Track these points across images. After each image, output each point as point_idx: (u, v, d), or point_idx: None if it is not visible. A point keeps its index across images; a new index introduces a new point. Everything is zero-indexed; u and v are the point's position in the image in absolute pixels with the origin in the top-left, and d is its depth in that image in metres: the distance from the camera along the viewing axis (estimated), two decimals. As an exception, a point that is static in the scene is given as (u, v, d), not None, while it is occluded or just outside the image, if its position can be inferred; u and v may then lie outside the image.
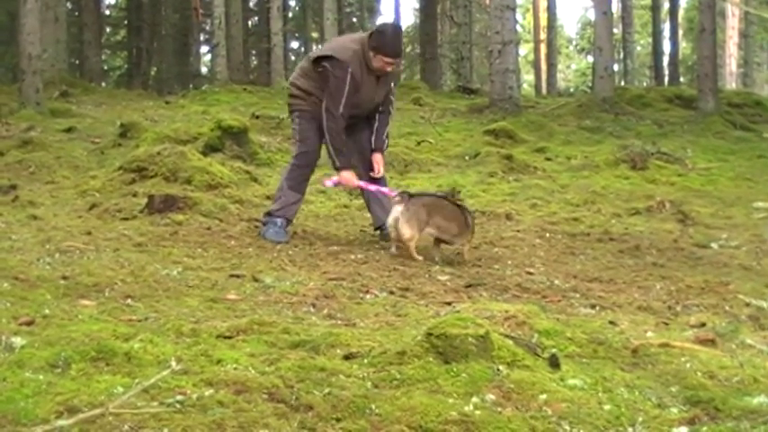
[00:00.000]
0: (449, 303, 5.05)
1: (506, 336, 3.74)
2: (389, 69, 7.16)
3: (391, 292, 5.35)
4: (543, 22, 40.29)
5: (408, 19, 50.52)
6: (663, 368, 3.69)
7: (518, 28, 29.74)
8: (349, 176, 7.15)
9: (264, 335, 3.93)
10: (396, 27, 7.26)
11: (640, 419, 3.07)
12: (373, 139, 7.36)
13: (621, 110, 18.08)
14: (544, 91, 34.90)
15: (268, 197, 8.51)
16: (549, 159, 13.12)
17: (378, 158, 7.37)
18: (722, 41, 41.58)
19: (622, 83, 31.86)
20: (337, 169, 7.17)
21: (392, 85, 7.53)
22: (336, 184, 7.34)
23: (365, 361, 3.58)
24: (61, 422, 2.69)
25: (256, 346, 3.77)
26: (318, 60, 7.17)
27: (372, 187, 7.31)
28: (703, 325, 4.59)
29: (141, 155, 9.22)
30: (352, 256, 6.54)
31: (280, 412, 2.95)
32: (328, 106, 6.97)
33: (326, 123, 6.99)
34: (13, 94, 16.93)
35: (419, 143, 13.98)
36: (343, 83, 6.94)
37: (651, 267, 6.59)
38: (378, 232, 7.43)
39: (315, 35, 33.73)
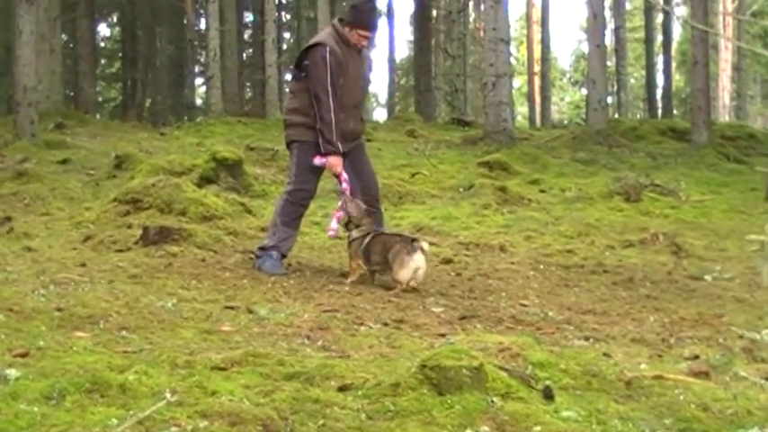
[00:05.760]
0: (443, 335, 5.05)
1: (500, 367, 3.75)
2: (364, 44, 7.12)
3: (385, 324, 5.35)
4: (537, 54, 40.48)
5: (403, 51, 50.59)
6: (657, 400, 3.69)
7: (512, 60, 29.89)
8: (337, 161, 6.99)
9: (259, 366, 3.93)
10: (370, 1, 7.24)
11: (634, 451, 3.08)
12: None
13: (615, 142, 18.16)
14: (538, 123, 35.01)
15: (263, 229, 8.51)
16: (543, 191, 13.16)
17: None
18: (715, 74, 41.82)
19: (616, 115, 32.05)
20: (326, 154, 7.01)
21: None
22: (322, 164, 7.05)
23: (359, 392, 3.58)
24: (55, 454, 2.69)
25: (251, 377, 3.77)
26: (299, 67, 7.18)
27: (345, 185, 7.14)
28: (697, 357, 4.60)
29: (136, 186, 9.24)
30: (347, 288, 6.54)
31: (274, 444, 2.95)
32: (317, 92, 6.92)
33: (318, 111, 6.92)
34: (7, 125, 16.96)
35: (413, 175, 14.01)
36: (324, 63, 6.90)
37: (645, 299, 6.59)
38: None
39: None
